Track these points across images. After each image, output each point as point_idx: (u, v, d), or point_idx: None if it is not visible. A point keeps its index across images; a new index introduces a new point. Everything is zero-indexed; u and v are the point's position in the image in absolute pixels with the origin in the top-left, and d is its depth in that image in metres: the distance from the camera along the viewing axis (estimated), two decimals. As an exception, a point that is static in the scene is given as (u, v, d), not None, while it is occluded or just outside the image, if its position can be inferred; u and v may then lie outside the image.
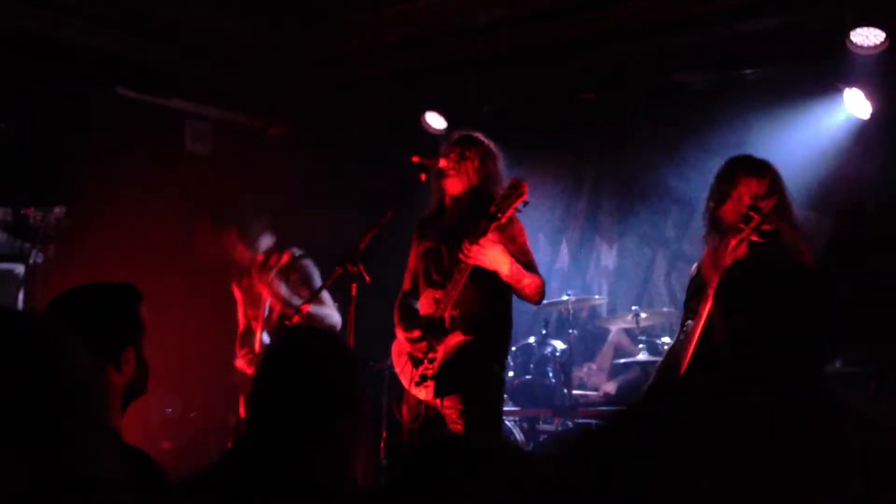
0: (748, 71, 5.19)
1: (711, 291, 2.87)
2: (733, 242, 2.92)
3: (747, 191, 3.08)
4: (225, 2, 5.29)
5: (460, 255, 3.48)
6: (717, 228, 3.16)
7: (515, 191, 3.44)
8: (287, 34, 5.62)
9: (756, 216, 2.91)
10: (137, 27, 5.20)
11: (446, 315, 3.57)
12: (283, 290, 4.23)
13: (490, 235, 3.44)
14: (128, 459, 1.87)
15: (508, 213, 3.44)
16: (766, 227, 2.92)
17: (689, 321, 3.16)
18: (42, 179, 5.06)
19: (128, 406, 2.07)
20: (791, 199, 3.19)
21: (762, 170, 3.19)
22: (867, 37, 4.40)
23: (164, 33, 5.32)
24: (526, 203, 3.45)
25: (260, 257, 4.34)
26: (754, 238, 2.91)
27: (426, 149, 5.29)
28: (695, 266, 3.46)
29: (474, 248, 3.43)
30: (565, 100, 5.90)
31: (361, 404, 1.70)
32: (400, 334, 3.76)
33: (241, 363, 4.31)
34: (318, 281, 4.30)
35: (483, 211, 3.54)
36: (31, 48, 4.93)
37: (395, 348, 3.81)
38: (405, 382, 3.70)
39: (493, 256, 3.45)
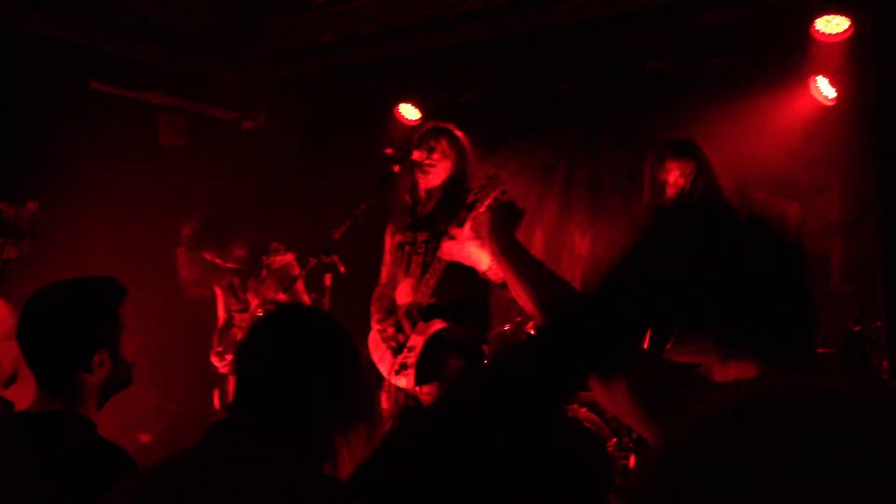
0: (717, 59, 5.25)
1: None
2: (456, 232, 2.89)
3: (673, 177, 3.10)
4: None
5: (438, 253, 3.49)
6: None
7: (494, 181, 3.45)
8: (261, 25, 5.62)
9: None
10: (110, 20, 5.18)
11: (425, 303, 3.61)
12: (272, 289, 4.19)
13: (466, 230, 3.44)
14: (102, 456, 1.89)
15: (487, 203, 3.44)
16: None
17: None
18: (15, 174, 5.03)
19: (107, 400, 2.06)
20: (717, 183, 3.17)
21: (687, 152, 3.19)
22: (831, 24, 4.47)
23: (137, 26, 5.30)
24: (505, 193, 3.45)
25: (243, 258, 4.26)
26: None
27: (400, 140, 5.35)
28: None
29: (450, 244, 3.45)
30: (539, 90, 5.94)
31: (353, 381, 1.67)
32: (375, 325, 3.80)
33: (214, 359, 4.31)
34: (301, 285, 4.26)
35: (459, 201, 3.57)
36: (2, 41, 4.90)
37: (371, 338, 3.84)
38: (384, 371, 3.74)
39: (468, 251, 3.46)
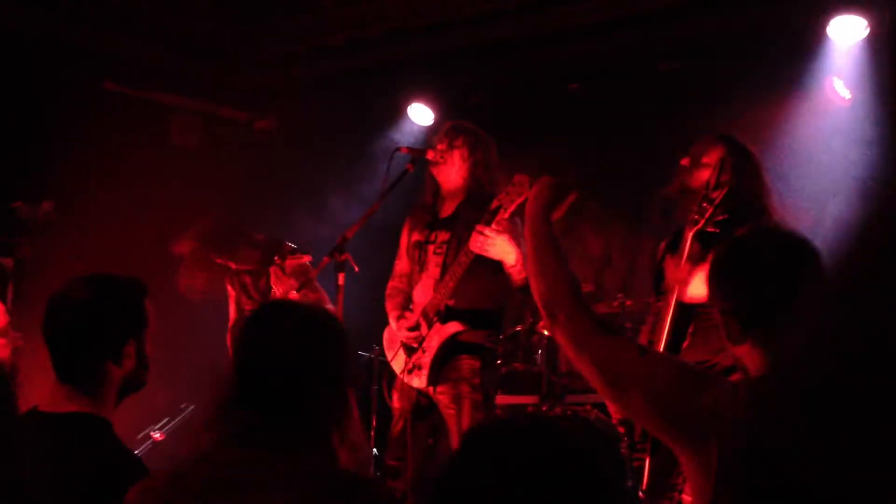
0: (731, 60, 5.23)
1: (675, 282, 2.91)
2: (689, 235, 2.86)
3: (705, 164, 3.06)
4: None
5: (469, 244, 3.48)
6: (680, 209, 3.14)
7: (518, 188, 3.44)
8: (273, 26, 5.63)
9: (709, 207, 2.85)
10: (122, 22, 5.20)
11: (443, 305, 3.61)
12: (291, 285, 4.17)
13: (496, 226, 3.44)
14: (117, 462, 1.89)
15: (511, 209, 3.44)
16: (719, 217, 2.85)
17: (659, 302, 3.15)
18: (30, 174, 5.06)
19: (124, 399, 2.06)
20: (756, 181, 3.10)
21: (710, 145, 3.14)
22: (847, 25, 4.45)
23: (149, 28, 5.33)
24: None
25: (254, 258, 4.24)
26: (710, 230, 2.85)
27: (415, 140, 5.35)
28: (662, 244, 3.38)
29: (482, 238, 3.44)
30: (551, 90, 5.93)
31: (346, 378, 1.66)
32: (393, 323, 3.79)
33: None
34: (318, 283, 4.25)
35: (482, 203, 3.56)
36: (18, 44, 4.93)
37: (386, 336, 3.84)
38: (397, 370, 3.74)
39: (501, 246, 3.45)
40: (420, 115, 5.63)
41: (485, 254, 3.46)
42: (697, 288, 2.83)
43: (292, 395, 1.58)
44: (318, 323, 1.67)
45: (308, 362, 1.61)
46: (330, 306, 4.25)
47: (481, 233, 3.43)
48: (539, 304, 1.80)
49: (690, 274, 2.87)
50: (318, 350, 1.62)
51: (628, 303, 5.42)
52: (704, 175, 3.04)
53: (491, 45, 5.37)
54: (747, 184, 3.01)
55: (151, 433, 4.80)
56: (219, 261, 4.21)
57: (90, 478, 1.83)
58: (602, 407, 4.51)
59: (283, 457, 1.50)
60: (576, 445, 1.18)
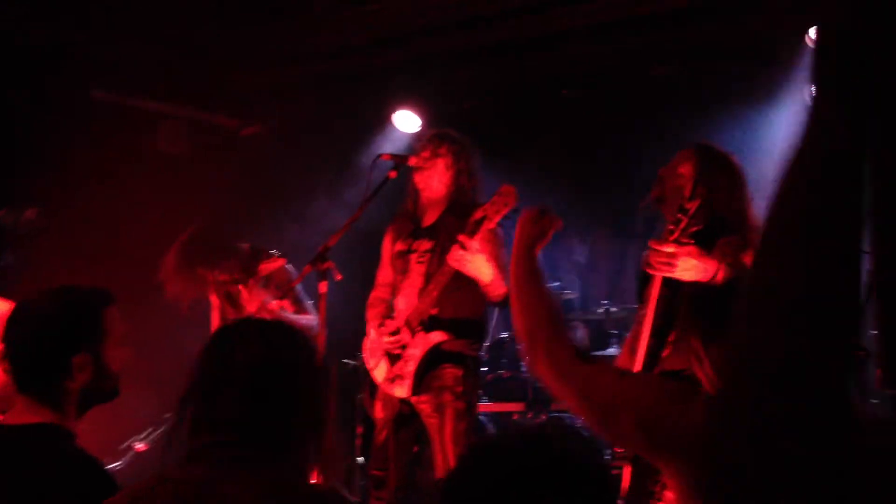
0: (717, 65, 5.25)
1: (656, 286, 2.91)
2: (665, 247, 2.86)
3: (680, 175, 3.07)
4: (198, 1, 5.29)
5: (447, 258, 3.48)
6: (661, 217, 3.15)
7: (504, 197, 3.43)
8: (260, 32, 5.62)
9: (683, 218, 2.85)
10: (109, 28, 5.19)
11: (426, 314, 3.61)
12: (265, 296, 4.17)
13: (476, 241, 3.43)
14: (80, 472, 1.88)
15: (496, 220, 3.43)
16: (694, 228, 2.83)
17: (641, 311, 3.16)
18: (15, 181, 5.04)
19: (87, 411, 2.05)
20: (733, 192, 3.09)
21: (685, 157, 3.14)
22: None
23: (137, 34, 5.31)
24: (516, 210, 3.41)
25: (238, 268, 4.24)
26: (684, 240, 2.83)
27: (400, 146, 5.35)
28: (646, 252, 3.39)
29: (460, 253, 3.42)
30: (541, 95, 5.95)
31: (320, 402, 1.64)
32: (374, 331, 3.79)
33: None
34: (300, 288, 4.24)
35: (465, 213, 3.56)
36: (2, 50, 4.91)
37: (366, 345, 3.83)
38: (379, 379, 3.73)
39: (476, 264, 3.44)
40: (407, 121, 5.63)
41: (461, 270, 3.46)
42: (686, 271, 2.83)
43: (255, 414, 1.56)
44: (280, 339, 1.65)
45: (270, 380, 1.59)
46: (313, 315, 4.25)
47: (462, 244, 3.42)
48: (520, 336, 1.80)
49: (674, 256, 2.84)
50: (280, 367, 1.61)
51: (613, 310, 5.44)
52: (680, 186, 3.05)
53: (482, 51, 5.37)
54: (722, 194, 3.01)
55: (134, 444, 4.78)
56: (203, 269, 4.20)
57: (49, 489, 1.83)
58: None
59: (247, 474, 1.49)
60: (572, 457, 1.21)
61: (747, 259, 2.88)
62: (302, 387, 1.61)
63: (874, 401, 3.52)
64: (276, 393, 1.59)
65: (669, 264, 2.85)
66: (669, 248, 2.85)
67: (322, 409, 1.63)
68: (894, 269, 1.26)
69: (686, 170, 3.08)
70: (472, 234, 3.42)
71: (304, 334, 1.70)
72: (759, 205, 3.25)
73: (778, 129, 5.06)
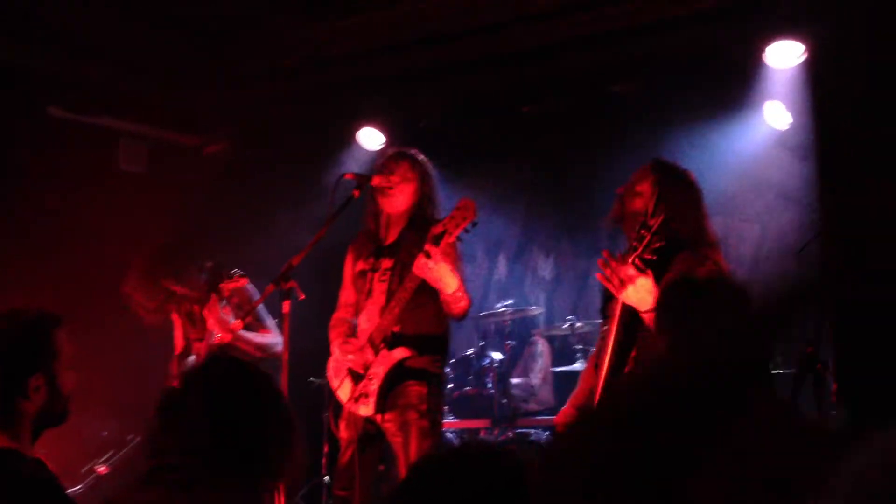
0: (676, 83, 5.33)
1: (619, 302, 2.94)
2: (628, 263, 2.89)
3: (639, 193, 3.11)
4: (158, 17, 5.25)
5: (413, 267, 3.47)
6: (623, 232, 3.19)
7: (463, 212, 3.43)
8: (222, 49, 5.60)
9: (646, 234, 2.87)
10: (66, 45, 5.14)
11: (388, 332, 3.60)
12: (225, 315, 4.13)
13: (439, 252, 3.43)
14: (28, 493, 1.86)
15: (456, 234, 3.44)
16: (657, 244, 2.86)
17: (605, 327, 3.18)
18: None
19: (41, 433, 2.05)
20: (691, 208, 3.13)
21: (644, 175, 3.19)
22: (784, 51, 4.57)
23: (95, 51, 5.26)
24: (475, 224, 3.44)
25: (201, 285, 4.21)
26: (647, 256, 2.87)
27: (362, 165, 5.35)
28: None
29: (425, 261, 3.42)
30: (502, 113, 5.99)
31: (277, 426, 1.65)
32: (337, 351, 3.77)
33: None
34: (261, 307, 4.21)
35: (424, 228, 3.56)
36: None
37: (330, 365, 3.82)
38: (343, 399, 3.72)
39: (441, 272, 3.44)
40: (370, 139, 5.64)
41: (426, 279, 3.46)
42: (636, 294, 2.86)
43: (212, 438, 1.57)
44: (252, 381, 1.67)
45: (226, 407, 1.61)
46: (275, 333, 4.22)
47: (427, 252, 3.43)
48: None
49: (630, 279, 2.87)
50: (236, 396, 1.63)
51: (578, 324, 5.48)
52: (639, 203, 3.08)
53: (444, 68, 5.40)
54: (681, 210, 3.05)
55: (96, 467, 4.70)
56: (167, 282, 4.16)
57: None
58: (553, 430, 4.53)
59: (197, 497, 1.49)
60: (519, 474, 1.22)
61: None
62: (258, 412, 1.62)
63: (833, 412, 3.58)
64: (233, 419, 1.59)
65: (622, 283, 2.88)
66: (630, 271, 2.87)
67: (279, 431, 1.63)
68: None
69: (645, 188, 3.13)
70: (436, 243, 3.43)
71: (260, 372, 1.72)
72: (716, 220, 3.32)
73: (736, 144, 5.15)
